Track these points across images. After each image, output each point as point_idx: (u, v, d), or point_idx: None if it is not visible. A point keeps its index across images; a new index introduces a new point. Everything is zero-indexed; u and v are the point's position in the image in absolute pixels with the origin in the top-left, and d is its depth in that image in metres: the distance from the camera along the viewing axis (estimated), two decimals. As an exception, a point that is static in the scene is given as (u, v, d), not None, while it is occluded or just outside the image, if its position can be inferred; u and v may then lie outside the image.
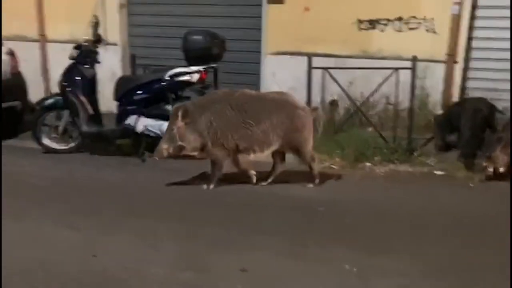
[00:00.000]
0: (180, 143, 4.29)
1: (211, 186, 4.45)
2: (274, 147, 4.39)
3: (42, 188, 4.49)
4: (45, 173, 4.98)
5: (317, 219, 3.80)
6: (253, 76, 6.92)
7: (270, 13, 6.65)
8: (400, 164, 5.10)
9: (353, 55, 6.38)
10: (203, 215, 3.86)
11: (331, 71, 5.66)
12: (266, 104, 4.38)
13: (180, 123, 4.29)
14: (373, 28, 6.36)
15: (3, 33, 6.83)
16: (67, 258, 3.12)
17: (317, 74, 5.54)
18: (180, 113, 4.29)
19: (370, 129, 5.79)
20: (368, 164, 5.13)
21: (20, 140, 6.19)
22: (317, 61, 5.57)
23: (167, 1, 7.26)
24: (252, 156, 4.42)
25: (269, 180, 4.57)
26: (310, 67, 5.47)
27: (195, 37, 5.38)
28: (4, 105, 6.19)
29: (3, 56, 6.40)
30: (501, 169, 4.57)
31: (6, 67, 6.40)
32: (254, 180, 4.50)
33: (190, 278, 2.90)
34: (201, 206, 4.08)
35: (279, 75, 6.77)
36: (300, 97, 6.37)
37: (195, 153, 4.41)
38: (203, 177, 4.64)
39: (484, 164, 4.63)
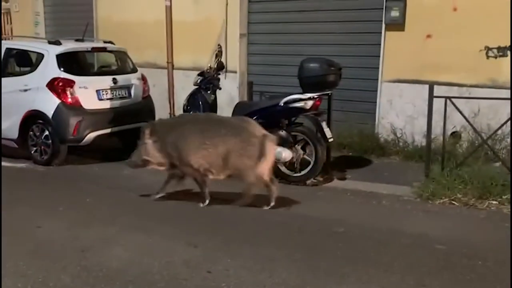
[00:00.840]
0: (145, 157, 4.68)
1: (206, 203, 4.65)
2: (228, 171, 4.57)
3: (165, 204, 4.78)
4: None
5: (436, 258, 3.53)
6: (369, 103, 6.78)
7: (389, 40, 6.52)
8: (532, 204, 4.58)
9: (479, 84, 5.96)
10: (316, 244, 3.81)
11: (454, 100, 5.32)
12: (224, 128, 4.57)
13: (147, 140, 4.67)
14: (503, 55, 5.90)
15: (137, 61, 7.56)
16: (183, 271, 3.27)
17: (438, 104, 5.25)
18: (147, 131, 4.68)
19: (497, 164, 5.30)
20: (494, 202, 4.69)
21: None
22: (438, 90, 5.30)
23: (285, 30, 7.48)
24: (211, 177, 4.64)
25: (272, 204, 4.59)
26: (431, 96, 5.20)
27: (311, 64, 5.45)
28: (134, 125, 6.79)
29: (136, 81, 7.08)
30: None
31: (138, 91, 7.06)
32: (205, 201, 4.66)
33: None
34: (312, 234, 4.03)
35: (397, 103, 6.56)
36: (419, 127, 6.18)
37: (163, 168, 4.76)
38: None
39: None
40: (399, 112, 6.56)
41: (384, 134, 6.63)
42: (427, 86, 5.33)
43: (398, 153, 6.39)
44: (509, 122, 5.01)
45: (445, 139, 5.44)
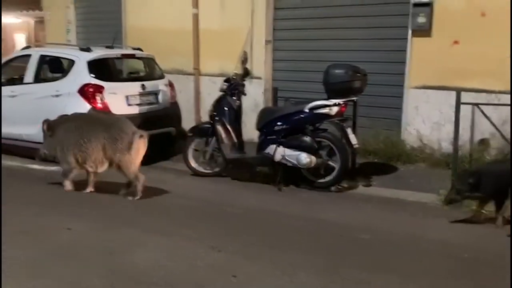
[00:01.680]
0: (45, 151, 5.43)
1: (87, 190, 5.26)
2: (106, 165, 5.09)
3: (188, 208, 4.87)
4: (191, 194, 5.42)
5: (461, 266, 3.49)
6: (395, 110, 6.73)
7: (415, 46, 6.46)
8: None
9: (508, 91, 5.84)
10: (339, 250, 3.81)
11: (483, 107, 5.25)
12: (97, 125, 5.10)
13: (46, 134, 5.37)
14: (533, 61, 5.77)
15: (165, 67, 7.71)
16: (206, 275, 3.33)
17: (465, 110, 5.19)
18: (44, 126, 5.37)
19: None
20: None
21: (172, 162, 6.87)
22: (466, 96, 5.23)
23: (310, 36, 7.50)
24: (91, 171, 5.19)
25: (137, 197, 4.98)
26: (458, 103, 5.14)
27: (336, 71, 5.47)
28: (161, 130, 6.94)
29: (164, 87, 7.22)
30: None
31: (165, 97, 7.20)
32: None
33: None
34: (335, 240, 4.03)
35: (423, 110, 6.49)
36: (446, 133, 6.10)
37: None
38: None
39: None
40: (425, 118, 6.48)
41: (410, 140, 6.56)
42: (454, 93, 5.27)
43: (424, 160, 6.31)
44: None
45: (472, 146, 5.36)
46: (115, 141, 4.96)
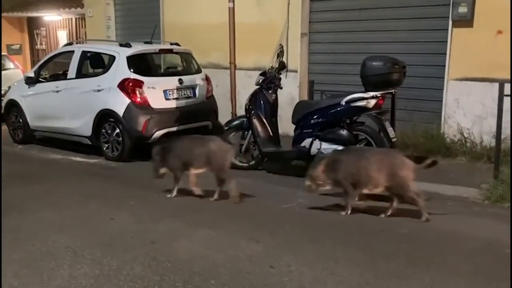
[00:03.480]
0: None
1: None
2: None
3: (227, 201, 4.93)
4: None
5: (504, 263, 3.40)
6: (435, 102, 6.60)
7: (456, 37, 6.30)
8: None
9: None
10: (378, 244, 3.79)
11: (528, 99, 5.06)
12: None
13: None
14: None
15: (201, 62, 7.80)
16: (246, 266, 3.39)
17: (509, 103, 5.02)
18: None
19: None
20: None
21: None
22: (509, 89, 5.06)
23: (346, 29, 7.43)
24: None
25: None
26: (501, 95, 4.99)
27: (374, 63, 5.38)
28: (198, 124, 7.05)
29: (201, 82, 7.31)
30: None
31: (202, 91, 7.30)
32: None
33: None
34: (374, 235, 4.00)
35: (464, 102, 6.33)
36: (488, 126, 5.93)
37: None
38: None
39: None
40: (466, 111, 6.32)
41: (451, 134, 6.41)
42: (497, 85, 5.12)
43: (465, 154, 6.16)
44: None
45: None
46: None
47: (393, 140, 5.36)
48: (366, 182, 4.29)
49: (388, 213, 4.34)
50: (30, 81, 7.72)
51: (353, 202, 4.41)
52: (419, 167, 4.28)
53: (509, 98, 4.96)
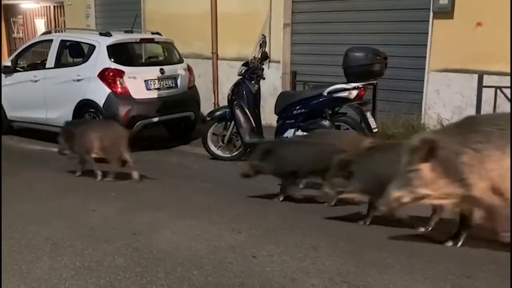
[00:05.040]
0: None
1: None
2: None
3: (209, 191, 4.93)
4: (212, 178, 5.47)
5: (483, 251, 3.48)
6: (415, 93, 6.67)
7: (436, 29, 6.37)
8: None
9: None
10: (360, 234, 3.82)
11: (506, 90, 5.16)
12: None
13: None
14: (559, 43, 5.64)
15: (183, 52, 7.72)
16: (229, 256, 3.39)
17: (488, 94, 5.12)
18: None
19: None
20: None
21: (191, 147, 6.94)
22: (488, 80, 5.16)
23: (329, 19, 7.44)
24: None
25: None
26: (480, 86, 5.08)
27: (356, 54, 5.42)
28: (180, 115, 7.00)
29: (183, 72, 7.25)
30: None
31: (184, 81, 7.24)
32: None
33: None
34: (356, 224, 4.05)
35: (444, 93, 6.41)
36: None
37: None
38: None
39: None
40: (446, 102, 6.41)
41: (431, 125, 6.50)
42: (476, 76, 5.20)
43: (445, 144, 6.25)
44: None
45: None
46: None
47: (374, 130, 5.42)
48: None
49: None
50: (7, 71, 7.55)
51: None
52: None
53: (487, 89, 5.05)
